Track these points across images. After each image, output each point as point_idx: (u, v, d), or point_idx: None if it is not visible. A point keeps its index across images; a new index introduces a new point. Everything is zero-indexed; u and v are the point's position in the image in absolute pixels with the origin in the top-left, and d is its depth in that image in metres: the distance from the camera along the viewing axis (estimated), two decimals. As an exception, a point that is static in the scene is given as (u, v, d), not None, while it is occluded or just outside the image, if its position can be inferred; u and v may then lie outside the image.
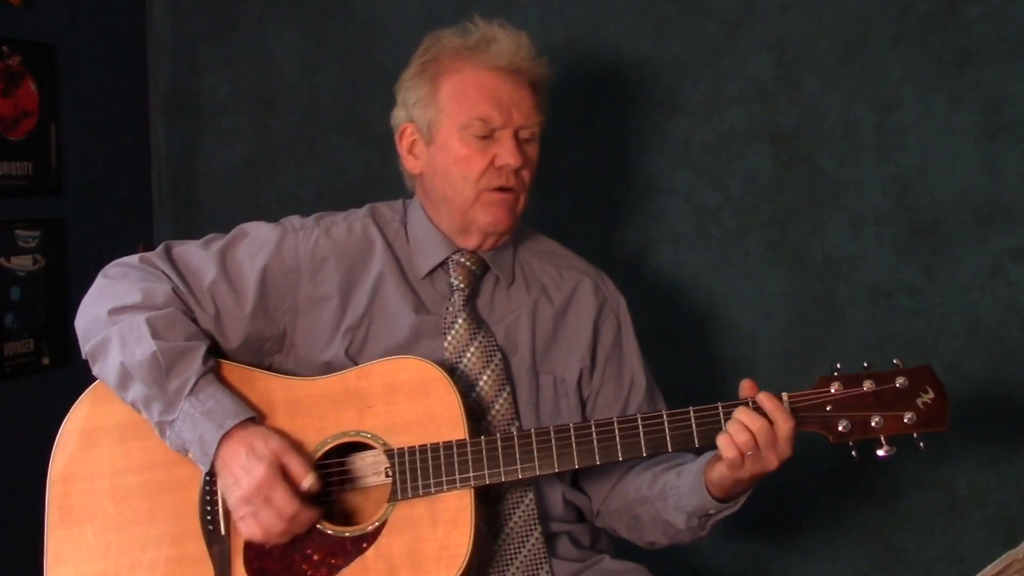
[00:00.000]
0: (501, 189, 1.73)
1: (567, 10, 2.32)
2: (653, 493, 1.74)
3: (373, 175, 2.49)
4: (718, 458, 1.60)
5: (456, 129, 1.73)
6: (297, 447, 1.62)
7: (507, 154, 1.71)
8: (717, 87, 2.24)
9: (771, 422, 1.56)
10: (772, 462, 1.57)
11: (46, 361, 2.39)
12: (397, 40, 2.45)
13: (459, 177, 1.74)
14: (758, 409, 1.58)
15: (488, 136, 1.72)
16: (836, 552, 2.26)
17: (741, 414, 1.57)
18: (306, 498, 1.59)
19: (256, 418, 1.64)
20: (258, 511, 1.56)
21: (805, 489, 2.25)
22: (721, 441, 1.57)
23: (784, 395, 1.60)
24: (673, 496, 1.71)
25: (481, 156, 1.72)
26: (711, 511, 1.66)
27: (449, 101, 1.74)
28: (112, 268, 1.78)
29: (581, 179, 2.34)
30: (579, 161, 2.33)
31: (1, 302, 2.29)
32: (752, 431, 1.55)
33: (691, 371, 2.27)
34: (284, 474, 1.58)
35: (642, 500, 1.77)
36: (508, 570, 1.72)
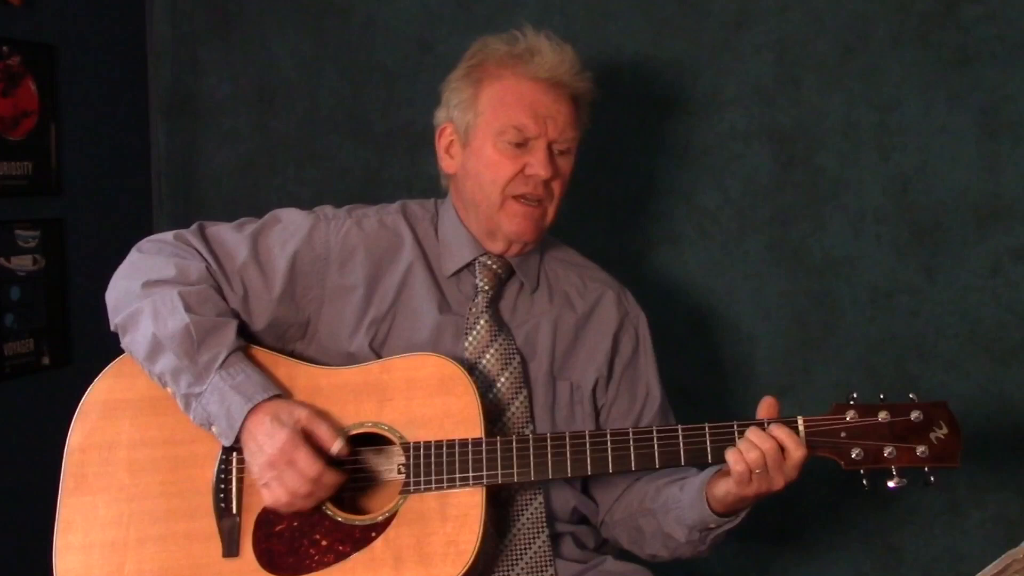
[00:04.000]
0: (526, 199, 1.75)
1: (567, 10, 2.32)
2: (656, 505, 1.75)
3: (373, 175, 2.49)
4: (724, 473, 1.61)
5: (491, 134, 1.75)
6: (325, 415, 1.64)
7: (538, 164, 1.73)
8: (717, 87, 2.24)
9: (782, 446, 1.58)
10: (778, 482, 1.58)
11: (46, 361, 2.39)
12: (397, 40, 2.45)
13: (488, 181, 1.76)
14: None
15: (522, 144, 1.74)
16: (836, 552, 2.26)
17: (753, 434, 1.58)
18: (331, 462, 1.61)
19: (283, 396, 1.66)
20: (282, 474, 1.58)
21: (805, 489, 2.25)
22: (730, 456, 1.58)
23: (800, 419, 1.61)
24: (675, 509, 1.71)
25: (512, 163, 1.74)
26: (711, 525, 1.67)
27: (488, 106, 1.76)
28: (146, 243, 1.80)
29: (581, 179, 2.33)
30: (579, 161, 2.32)
31: (1, 302, 2.29)
32: (763, 450, 1.56)
33: (691, 371, 2.27)
34: (310, 440, 1.60)
35: (644, 512, 1.77)
36: (513, 570, 1.73)
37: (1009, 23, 2.05)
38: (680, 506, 1.70)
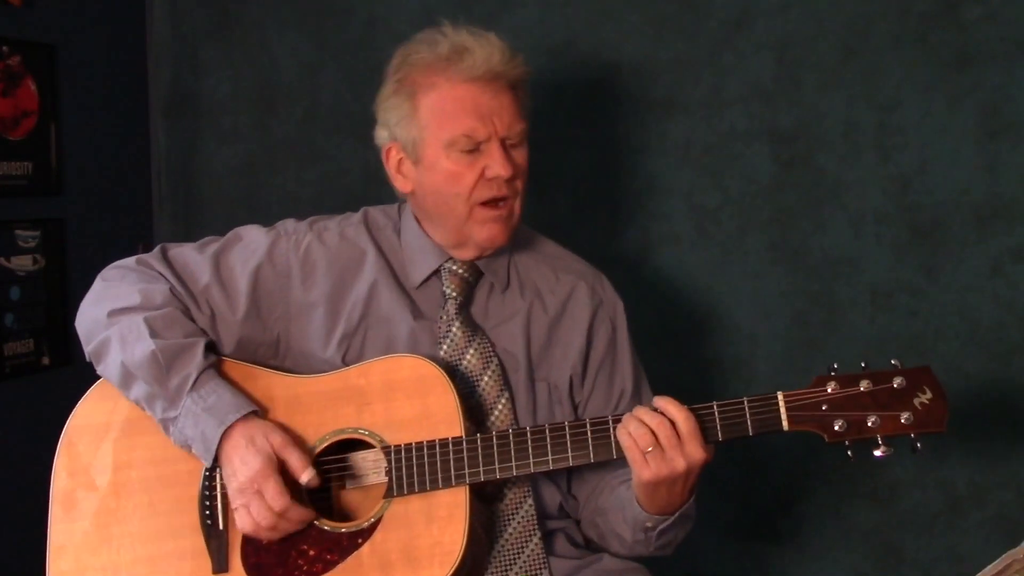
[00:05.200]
0: (494, 202, 1.71)
1: (567, 10, 2.32)
2: (609, 504, 1.75)
3: (373, 175, 2.47)
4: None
5: (442, 147, 1.70)
6: (299, 442, 1.64)
7: (497, 165, 1.69)
8: (717, 87, 2.24)
9: (672, 420, 1.54)
10: (679, 464, 1.54)
11: (46, 361, 2.39)
12: (397, 40, 2.43)
13: (451, 194, 1.71)
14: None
15: (475, 150, 1.69)
16: (836, 552, 2.26)
17: (640, 411, 1.56)
18: (301, 496, 1.61)
19: (258, 412, 1.65)
20: (250, 503, 1.58)
21: (805, 489, 2.25)
22: (618, 433, 1.56)
23: (779, 394, 1.58)
24: (621, 507, 1.70)
25: (470, 170, 1.70)
26: (648, 523, 1.65)
27: (431, 119, 1.71)
28: (110, 271, 1.78)
29: (581, 179, 2.34)
30: (579, 161, 2.33)
31: (1, 302, 2.29)
32: (650, 427, 1.54)
33: (691, 371, 2.27)
34: (283, 469, 1.60)
35: (600, 511, 1.77)
36: (507, 575, 1.72)
37: (1009, 23, 2.05)
38: (623, 504, 1.69)
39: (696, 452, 1.54)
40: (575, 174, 2.33)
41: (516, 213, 1.75)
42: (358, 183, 2.50)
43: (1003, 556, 1.38)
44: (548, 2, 2.33)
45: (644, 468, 1.55)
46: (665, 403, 1.57)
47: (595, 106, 2.31)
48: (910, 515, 2.20)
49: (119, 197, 2.59)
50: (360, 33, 2.49)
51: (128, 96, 2.62)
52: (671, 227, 2.30)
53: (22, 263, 2.34)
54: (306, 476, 1.60)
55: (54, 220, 2.41)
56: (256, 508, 1.58)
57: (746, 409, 1.57)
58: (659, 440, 1.54)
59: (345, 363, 1.75)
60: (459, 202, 1.71)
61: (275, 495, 1.57)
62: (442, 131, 1.70)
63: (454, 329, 1.76)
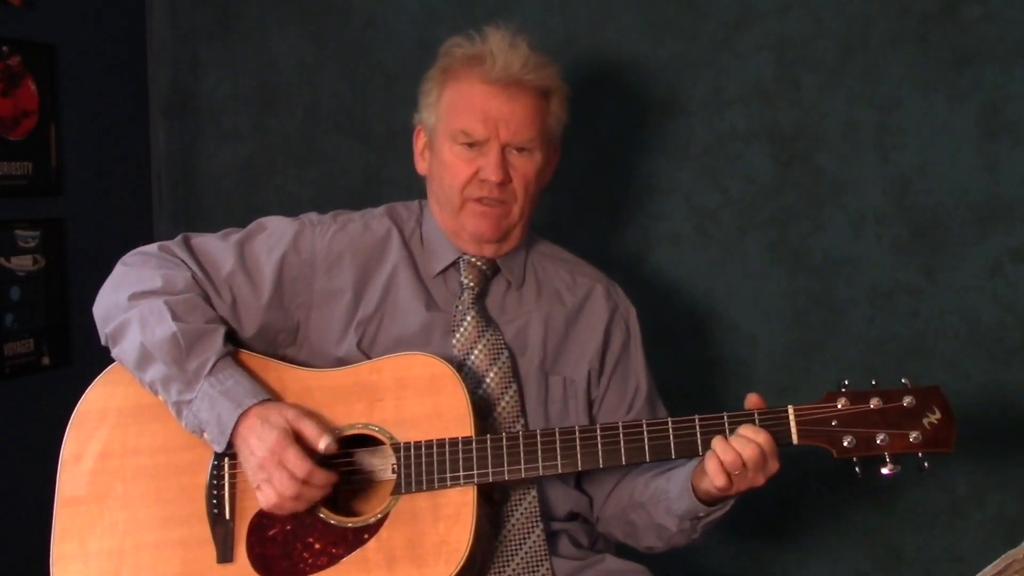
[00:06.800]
0: (484, 201, 1.76)
1: (567, 10, 2.32)
2: (645, 498, 1.76)
3: (373, 175, 2.49)
4: (704, 471, 1.61)
5: (447, 138, 1.77)
6: (313, 414, 1.65)
7: (488, 168, 1.74)
8: (717, 87, 2.24)
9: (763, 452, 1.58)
10: (759, 480, 1.60)
11: (46, 361, 2.39)
12: (397, 40, 2.46)
13: (448, 184, 1.78)
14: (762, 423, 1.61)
15: (475, 146, 1.75)
16: (836, 552, 2.26)
17: (737, 443, 1.58)
18: (322, 461, 1.61)
19: (272, 399, 1.66)
20: (272, 475, 1.58)
21: (805, 489, 2.25)
22: (711, 467, 1.59)
23: (790, 408, 1.60)
24: (664, 501, 1.72)
25: (467, 166, 1.76)
26: (701, 514, 1.68)
27: (446, 109, 1.78)
28: (131, 256, 1.80)
29: (581, 179, 2.34)
30: (579, 161, 2.32)
31: (1, 302, 2.29)
32: (743, 457, 1.57)
33: (691, 371, 2.27)
34: (300, 440, 1.61)
35: (635, 505, 1.78)
36: (508, 566, 1.73)
37: (1009, 23, 2.05)
38: (668, 497, 1.71)
39: (774, 466, 1.61)
40: (575, 174, 2.33)
41: (514, 216, 1.79)
42: (358, 183, 2.50)
43: (1003, 556, 1.38)
44: (548, 2, 2.33)
45: (728, 487, 1.60)
46: (744, 429, 1.60)
47: (595, 106, 2.31)
48: (910, 515, 2.20)
49: (119, 197, 2.59)
50: (360, 33, 2.49)
51: (128, 96, 2.62)
52: (671, 227, 2.30)
53: (22, 263, 2.34)
54: (323, 443, 1.61)
55: (54, 220, 2.41)
56: (279, 479, 1.58)
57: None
58: (746, 464, 1.58)
59: (360, 349, 1.77)
60: (453, 193, 1.77)
61: (297, 461, 1.58)
62: (450, 122, 1.77)
63: (468, 319, 1.78)
